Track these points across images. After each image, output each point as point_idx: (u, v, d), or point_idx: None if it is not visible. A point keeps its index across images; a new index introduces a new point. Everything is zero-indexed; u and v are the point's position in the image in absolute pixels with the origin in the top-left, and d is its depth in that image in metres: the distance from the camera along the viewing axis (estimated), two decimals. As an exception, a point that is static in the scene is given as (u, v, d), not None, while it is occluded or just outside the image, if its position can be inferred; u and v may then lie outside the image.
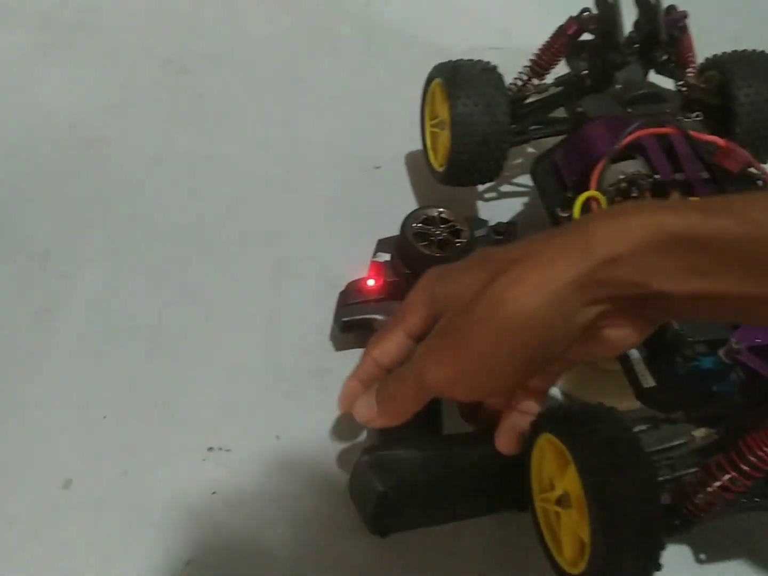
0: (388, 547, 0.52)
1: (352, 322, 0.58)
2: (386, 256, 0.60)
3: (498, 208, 0.71)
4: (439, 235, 0.56)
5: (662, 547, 0.40)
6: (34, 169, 0.73)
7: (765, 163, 0.63)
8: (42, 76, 0.81)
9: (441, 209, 0.57)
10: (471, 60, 0.62)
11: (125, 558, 0.51)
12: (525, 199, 0.72)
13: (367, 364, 0.42)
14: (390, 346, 0.40)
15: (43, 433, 0.57)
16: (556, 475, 0.44)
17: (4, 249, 0.67)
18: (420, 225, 0.56)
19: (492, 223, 0.62)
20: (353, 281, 0.59)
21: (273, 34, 0.86)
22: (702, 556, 0.52)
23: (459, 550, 0.51)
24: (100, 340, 0.62)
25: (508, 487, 0.48)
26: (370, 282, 0.59)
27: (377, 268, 0.60)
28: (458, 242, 0.56)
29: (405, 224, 0.57)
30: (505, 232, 0.60)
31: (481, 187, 0.73)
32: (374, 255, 0.59)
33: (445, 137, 0.62)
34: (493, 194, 0.73)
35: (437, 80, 0.62)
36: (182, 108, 0.78)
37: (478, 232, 0.59)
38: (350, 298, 0.59)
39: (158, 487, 0.55)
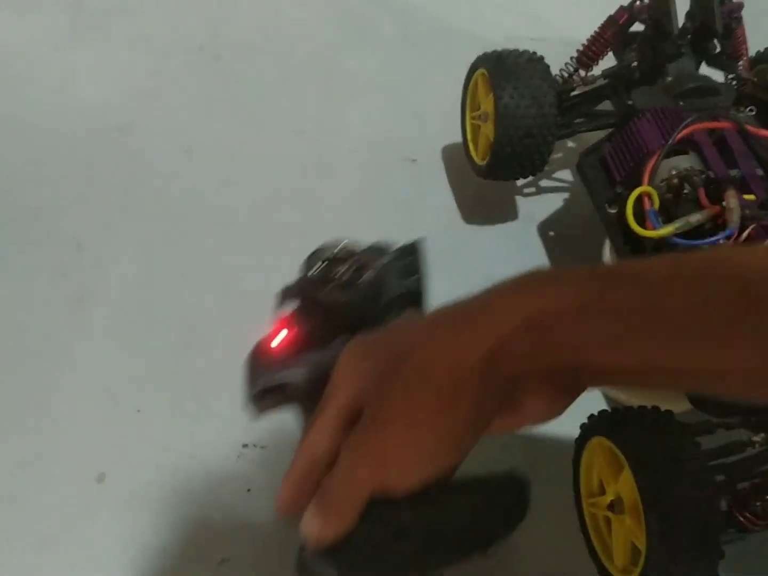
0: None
1: (267, 391, 0.49)
2: (295, 302, 0.51)
3: (537, 204, 0.70)
4: (345, 274, 0.48)
5: (721, 556, 0.39)
6: (67, 157, 0.72)
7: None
8: (74, 62, 0.79)
9: (341, 245, 0.50)
10: (516, 50, 0.60)
11: (158, 554, 0.51)
12: (565, 195, 0.70)
13: (301, 463, 0.38)
14: (322, 438, 0.36)
15: (77, 427, 0.56)
16: (607, 479, 0.42)
17: (36, 237, 0.66)
18: (322, 267, 0.49)
19: (396, 246, 0.52)
20: (260, 342, 0.49)
21: (308, 20, 0.84)
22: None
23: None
24: (133, 331, 0.61)
25: (473, 533, 0.44)
26: (279, 337, 0.49)
27: (285, 320, 0.50)
28: (364, 278, 0.47)
29: (305, 269, 0.49)
30: (411, 257, 0.52)
31: (520, 182, 0.71)
32: (279, 306, 0.51)
33: (487, 129, 0.60)
34: (532, 189, 0.71)
35: (481, 70, 0.61)
36: (215, 95, 0.77)
37: (385, 259, 0.50)
38: (259, 362, 0.49)
39: (192, 483, 0.54)
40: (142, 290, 0.63)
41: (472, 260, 0.66)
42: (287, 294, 0.51)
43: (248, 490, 0.54)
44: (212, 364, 0.59)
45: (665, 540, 0.37)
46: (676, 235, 0.48)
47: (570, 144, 0.72)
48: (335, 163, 0.72)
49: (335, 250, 0.50)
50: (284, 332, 0.48)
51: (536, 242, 0.67)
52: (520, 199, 0.70)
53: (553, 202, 0.70)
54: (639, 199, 0.50)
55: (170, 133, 0.74)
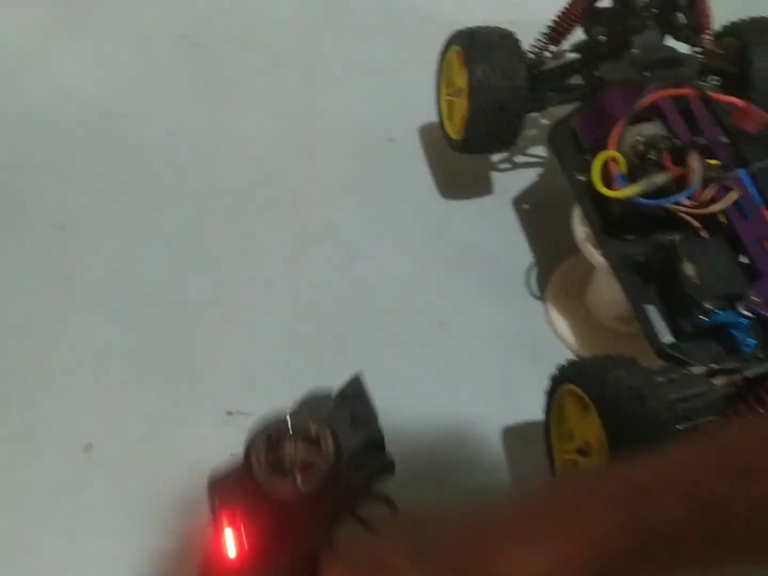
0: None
1: None
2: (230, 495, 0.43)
3: (512, 179, 0.72)
4: (294, 454, 0.40)
5: None
6: (53, 143, 0.73)
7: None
8: (59, 51, 0.81)
9: (283, 418, 0.43)
10: (489, 27, 0.62)
11: (147, 520, 0.52)
12: (539, 169, 0.72)
13: None
14: None
15: (65, 399, 0.57)
16: (576, 425, 0.44)
17: (25, 219, 0.68)
18: (267, 451, 0.41)
19: (333, 392, 0.49)
20: (211, 552, 0.40)
21: (288, 8, 0.86)
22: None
23: None
24: (120, 307, 0.62)
25: None
26: (232, 543, 0.39)
27: (230, 519, 0.40)
28: (321, 456, 0.40)
29: (248, 457, 0.42)
30: (357, 399, 0.47)
31: (495, 158, 0.73)
32: (214, 506, 0.42)
33: (462, 105, 0.62)
34: (507, 165, 0.73)
35: (454, 47, 0.63)
36: (198, 82, 0.79)
37: (329, 413, 0.45)
38: None
39: (178, 450, 0.55)
40: (128, 268, 0.65)
41: (450, 234, 0.68)
42: (218, 487, 0.43)
43: (232, 455, 0.55)
44: (197, 337, 0.61)
45: None
46: (641, 195, 0.50)
47: (544, 121, 0.74)
48: (317, 145, 0.74)
49: (279, 428, 0.42)
50: (234, 535, 0.39)
51: (511, 215, 0.69)
52: (495, 175, 0.72)
53: (528, 177, 0.72)
54: (606, 165, 0.52)
55: (153, 118, 0.75)
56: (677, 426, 0.41)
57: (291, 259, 0.65)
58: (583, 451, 0.43)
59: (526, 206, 0.70)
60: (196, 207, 0.69)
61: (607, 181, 0.52)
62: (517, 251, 0.67)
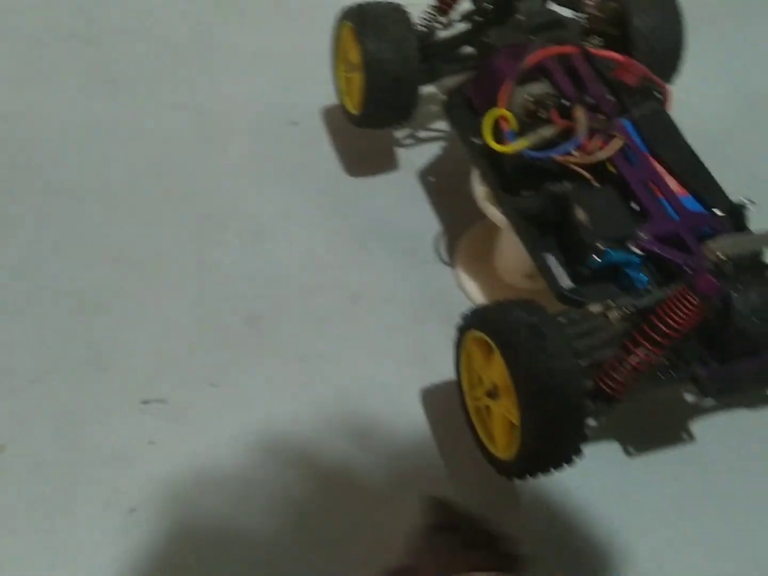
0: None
1: None
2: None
3: (416, 153, 0.73)
4: None
5: (587, 415, 0.42)
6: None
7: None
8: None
9: None
10: (378, 1, 0.63)
11: (69, 513, 0.51)
12: (442, 142, 0.74)
13: None
14: None
15: (-29, 401, 0.56)
16: (483, 369, 0.45)
17: None
18: None
19: None
20: None
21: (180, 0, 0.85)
22: (630, 449, 0.54)
23: None
24: (23, 305, 0.61)
25: None
26: None
27: None
28: None
29: None
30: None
31: (399, 134, 0.74)
32: None
33: (358, 80, 0.63)
34: (411, 140, 0.74)
35: (346, 23, 0.63)
36: (92, 79, 0.77)
37: None
38: None
39: (95, 442, 0.54)
40: (32, 265, 0.63)
41: (358, 210, 0.69)
42: None
43: (151, 443, 0.55)
44: (108, 329, 0.60)
45: (535, 410, 0.40)
46: (531, 149, 0.52)
47: (443, 97, 0.76)
48: (218, 134, 0.74)
49: None
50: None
51: (418, 188, 0.70)
52: (400, 150, 0.73)
53: (432, 150, 0.73)
54: (498, 124, 0.54)
55: (48, 117, 0.74)
56: (579, 361, 0.43)
57: (199, 246, 0.65)
58: (491, 394, 0.44)
59: (431, 178, 0.71)
60: (97, 202, 0.68)
61: (500, 140, 0.54)
62: (425, 221, 0.68)
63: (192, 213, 0.67)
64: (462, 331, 0.47)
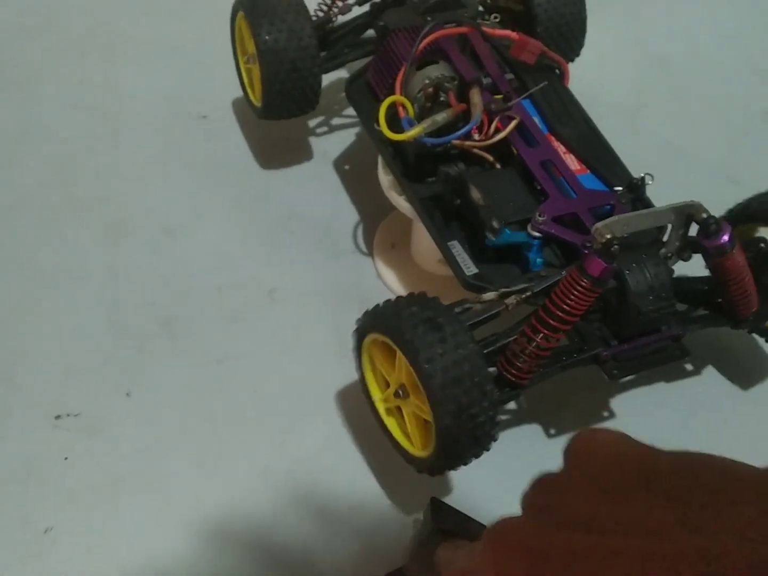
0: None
1: None
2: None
3: (330, 141, 0.72)
4: None
5: (497, 401, 0.41)
6: None
7: (571, 61, 0.66)
8: None
9: None
10: (270, -12, 0.61)
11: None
12: (356, 129, 0.72)
13: None
14: None
15: None
16: (389, 372, 0.45)
17: None
18: None
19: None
20: None
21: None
22: (552, 431, 0.54)
23: None
24: None
25: None
26: None
27: None
28: None
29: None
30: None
31: (312, 123, 0.73)
32: None
33: (257, 71, 0.61)
34: (324, 128, 0.73)
35: (240, 14, 0.62)
36: (-9, 81, 0.75)
37: None
38: None
39: (7, 459, 0.53)
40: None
41: (272, 202, 0.67)
42: None
43: (65, 458, 0.53)
44: (14, 344, 0.58)
45: (445, 403, 0.40)
46: (429, 135, 0.51)
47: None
48: (126, 131, 0.72)
49: None
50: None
51: (333, 177, 0.69)
52: (313, 140, 0.72)
53: (346, 138, 0.72)
54: (394, 108, 0.53)
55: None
56: (481, 348, 0.42)
57: (108, 250, 0.63)
58: (400, 394, 0.44)
59: (347, 167, 0.70)
60: None
61: (400, 127, 0.53)
62: (341, 211, 0.67)
63: (100, 217, 0.65)
64: (359, 335, 0.46)
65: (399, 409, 0.46)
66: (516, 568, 0.26)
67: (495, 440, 0.44)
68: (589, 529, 0.25)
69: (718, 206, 0.49)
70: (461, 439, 0.41)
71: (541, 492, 0.29)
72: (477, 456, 0.44)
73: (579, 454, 0.28)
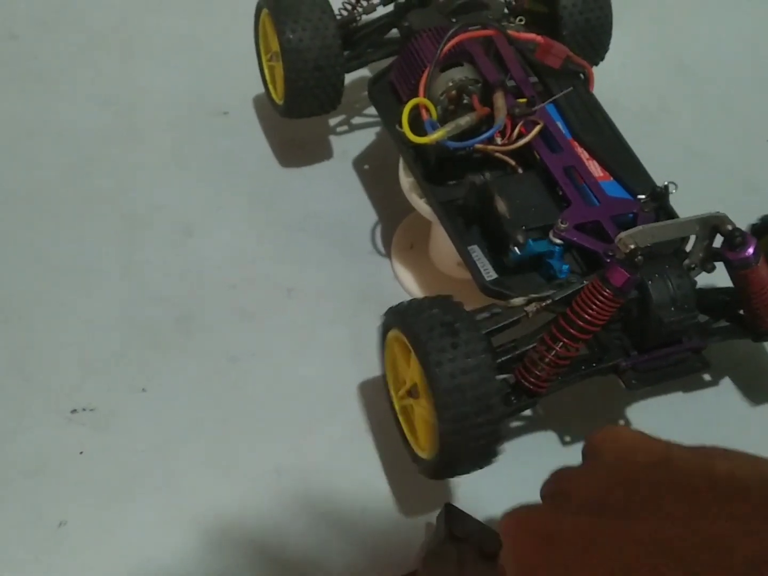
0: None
1: None
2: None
3: (350, 141, 0.71)
4: None
5: (502, 414, 0.41)
6: None
7: (596, 65, 0.65)
8: None
9: None
10: (295, -14, 0.61)
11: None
12: (376, 129, 0.72)
13: None
14: None
15: None
16: (405, 369, 0.44)
17: None
18: None
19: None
20: None
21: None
22: (567, 439, 0.54)
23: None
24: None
25: None
26: None
27: None
28: None
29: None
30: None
31: (332, 121, 0.72)
32: None
33: (280, 69, 0.61)
34: (344, 128, 0.72)
35: (264, 10, 0.61)
36: (15, 74, 0.75)
37: None
38: None
39: (21, 454, 0.53)
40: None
41: (291, 201, 0.67)
42: None
43: (81, 453, 0.53)
44: (31, 337, 0.58)
45: (448, 409, 0.40)
46: (452, 138, 0.51)
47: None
48: (146, 127, 0.71)
49: None
50: None
51: (352, 177, 0.69)
52: (334, 138, 0.72)
53: (366, 137, 0.72)
54: (417, 111, 0.52)
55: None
56: (496, 359, 0.42)
57: (125, 245, 0.63)
58: (412, 393, 0.44)
59: (366, 166, 0.70)
60: (18, 203, 0.65)
61: (423, 129, 0.53)
62: (360, 211, 0.67)
63: (117, 212, 0.65)
64: (384, 330, 0.46)
65: (412, 409, 0.46)
66: (532, 552, 0.27)
67: (498, 454, 0.43)
68: (603, 514, 0.26)
69: (736, 213, 0.48)
70: (460, 447, 0.41)
71: (559, 481, 0.29)
72: (480, 467, 0.44)
73: (596, 447, 0.29)
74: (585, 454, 0.30)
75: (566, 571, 0.25)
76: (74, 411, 0.55)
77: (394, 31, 0.65)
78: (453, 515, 0.43)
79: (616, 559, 0.24)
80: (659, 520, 0.25)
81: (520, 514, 0.29)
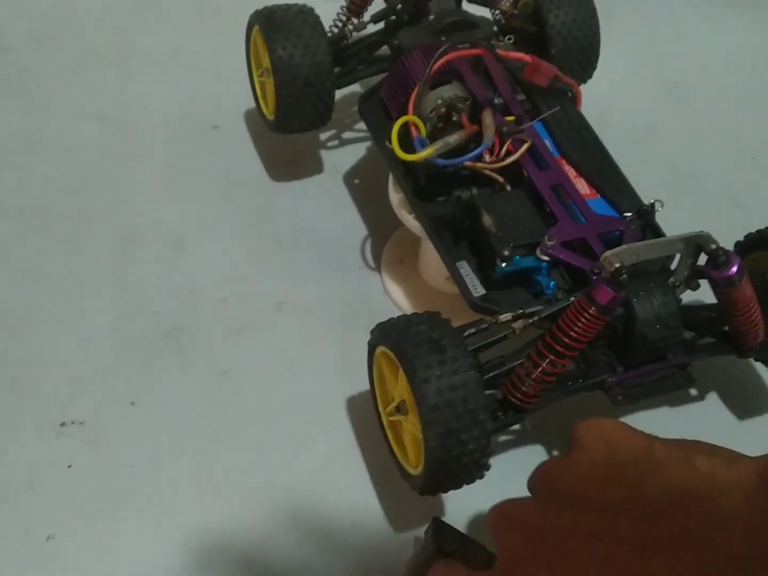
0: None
1: None
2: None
3: (341, 155, 0.72)
4: None
5: (489, 431, 0.41)
6: None
7: (583, 83, 0.66)
8: None
9: None
10: (287, 3, 0.61)
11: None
12: (367, 144, 0.73)
13: None
14: None
15: None
16: (393, 385, 0.45)
17: None
18: None
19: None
20: None
21: (96, 5, 0.83)
22: (556, 454, 0.54)
23: None
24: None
25: None
26: None
27: None
28: None
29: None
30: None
31: (323, 136, 0.73)
32: None
33: (271, 85, 0.61)
34: (335, 142, 0.73)
35: (256, 27, 0.62)
36: (7, 88, 0.75)
37: None
38: None
39: (10, 467, 0.53)
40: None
41: (281, 216, 0.67)
42: None
43: (69, 467, 0.53)
44: (22, 351, 0.58)
45: (435, 426, 0.40)
46: (441, 156, 0.51)
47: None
48: (138, 142, 0.72)
49: None
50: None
51: (343, 192, 0.70)
52: (324, 153, 0.72)
53: (356, 152, 0.72)
54: (407, 128, 0.53)
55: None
56: (482, 375, 0.42)
57: (116, 260, 0.63)
58: (400, 409, 0.44)
59: (356, 181, 0.71)
60: (10, 218, 0.66)
61: (412, 146, 0.53)
62: (350, 226, 0.67)
63: (109, 226, 0.66)
64: (371, 346, 0.47)
65: (401, 425, 0.46)
66: (516, 544, 0.28)
67: (486, 469, 0.44)
68: (583, 509, 0.27)
69: (724, 230, 0.49)
70: (447, 463, 0.41)
71: (544, 474, 0.31)
72: (468, 482, 0.44)
73: (581, 438, 0.31)
74: (570, 443, 0.31)
75: (549, 562, 0.27)
76: (63, 424, 0.55)
77: (385, 48, 0.65)
78: (441, 530, 0.44)
79: (594, 552, 0.25)
80: (640, 517, 0.26)
81: (506, 508, 0.30)
